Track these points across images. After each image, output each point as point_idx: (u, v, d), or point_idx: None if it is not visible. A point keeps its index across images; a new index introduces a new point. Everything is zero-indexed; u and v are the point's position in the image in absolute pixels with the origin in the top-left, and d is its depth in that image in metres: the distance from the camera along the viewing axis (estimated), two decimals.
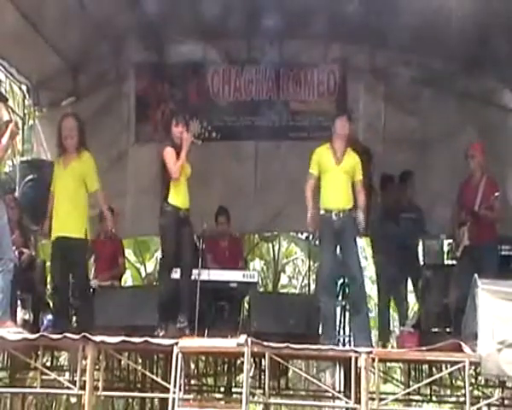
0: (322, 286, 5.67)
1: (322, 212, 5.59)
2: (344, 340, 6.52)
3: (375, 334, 7.70)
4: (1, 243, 5.07)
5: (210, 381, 8.98)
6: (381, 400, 4.66)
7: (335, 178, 5.58)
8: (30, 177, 7.07)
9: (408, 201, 7.08)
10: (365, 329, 5.52)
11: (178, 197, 5.71)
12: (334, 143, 5.66)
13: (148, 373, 6.52)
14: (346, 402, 4.93)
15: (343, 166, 5.60)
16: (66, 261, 5.63)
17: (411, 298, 7.60)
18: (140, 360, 7.49)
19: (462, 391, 6.80)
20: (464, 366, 4.56)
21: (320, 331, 5.65)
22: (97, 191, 5.75)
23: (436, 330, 5.96)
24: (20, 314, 6.37)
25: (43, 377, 5.15)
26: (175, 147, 5.79)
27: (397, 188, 7.11)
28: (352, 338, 5.81)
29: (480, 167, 6.11)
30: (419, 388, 6.69)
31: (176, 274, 6.17)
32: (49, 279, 7.59)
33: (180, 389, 4.56)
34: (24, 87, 8.10)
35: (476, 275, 4.71)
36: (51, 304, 6.29)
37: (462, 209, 6.15)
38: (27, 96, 8.15)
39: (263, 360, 5.20)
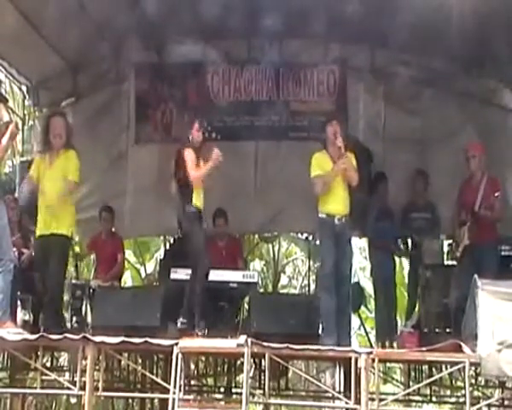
0: (323, 286, 5.68)
1: (322, 216, 5.64)
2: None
3: (373, 334, 7.71)
4: (1, 244, 5.07)
5: (210, 381, 8.99)
6: (380, 400, 4.66)
7: (335, 182, 5.64)
8: None
9: (423, 200, 7.09)
10: (348, 327, 5.66)
11: (199, 199, 5.75)
12: (329, 149, 5.73)
13: (148, 374, 6.53)
14: (346, 403, 4.92)
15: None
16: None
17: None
18: (140, 361, 7.49)
19: (462, 392, 6.80)
20: (464, 367, 4.56)
21: (320, 331, 5.66)
22: (72, 181, 5.57)
23: (436, 330, 5.95)
24: (20, 315, 6.37)
25: (43, 377, 5.16)
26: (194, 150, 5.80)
27: (410, 187, 7.15)
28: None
29: (480, 167, 6.11)
30: (419, 388, 6.68)
31: (176, 274, 6.21)
32: None
33: (180, 390, 4.57)
34: (24, 87, 8.09)
35: (476, 275, 4.71)
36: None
37: (462, 209, 6.15)
38: (27, 96, 8.14)
39: (263, 360, 5.20)
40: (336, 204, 5.62)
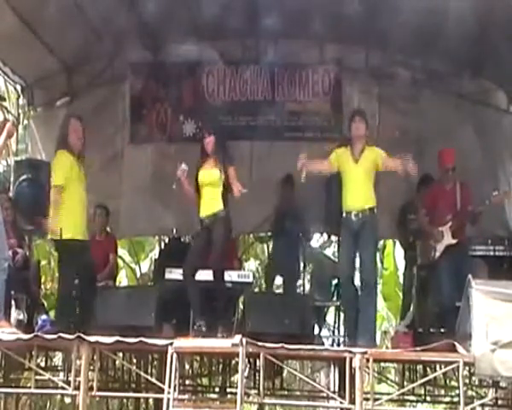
0: (344, 288, 5.62)
1: (343, 214, 5.58)
2: (338, 340, 6.53)
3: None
4: None
5: (205, 381, 8.98)
6: (375, 400, 4.66)
7: (354, 177, 5.56)
8: (24, 177, 7.05)
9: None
10: (370, 331, 5.49)
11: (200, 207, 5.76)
12: (352, 145, 5.67)
13: (142, 373, 6.53)
14: (341, 402, 4.93)
15: (361, 164, 5.57)
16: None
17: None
18: (135, 361, 7.48)
19: (456, 391, 6.83)
20: (458, 367, 4.57)
21: (344, 333, 5.68)
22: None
23: (430, 330, 5.97)
24: (15, 314, 6.35)
25: (38, 377, 5.14)
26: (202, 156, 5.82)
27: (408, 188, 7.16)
28: (356, 339, 5.78)
29: (454, 172, 6.12)
30: (413, 388, 6.70)
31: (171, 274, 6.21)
32: (43, 279, 7.57)
33: (175, 390, 4.57)
34: (18, 87, 8.07)
35: (470, 275, 4.73)
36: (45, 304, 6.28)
37: (438, 211, 6.11)
38: (21, 95, 8.12)
39: (257, 360, 5.20)
40: (354, 200, 5.53)
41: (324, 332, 7.22)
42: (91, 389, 4.77)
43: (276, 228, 7.38)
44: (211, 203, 5.72)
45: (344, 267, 5.58)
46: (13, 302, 6.32)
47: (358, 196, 5.54)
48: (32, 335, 4.86)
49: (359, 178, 5.56)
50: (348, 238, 5.55)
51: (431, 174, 6.89)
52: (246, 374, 6.00)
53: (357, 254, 5.54)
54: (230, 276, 6.20)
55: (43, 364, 7.25)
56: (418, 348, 4.79)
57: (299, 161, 5.53)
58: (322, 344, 6.32)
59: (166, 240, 8.26)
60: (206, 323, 5.48)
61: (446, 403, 9.50)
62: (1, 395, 7.49)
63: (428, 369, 6.77)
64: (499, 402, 7.04)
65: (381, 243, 11.14)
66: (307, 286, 7.76)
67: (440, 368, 5.51)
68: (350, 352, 4.66)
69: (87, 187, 7.92)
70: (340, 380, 6.83)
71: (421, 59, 7.71)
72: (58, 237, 5.53)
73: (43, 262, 7.61)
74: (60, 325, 5.30)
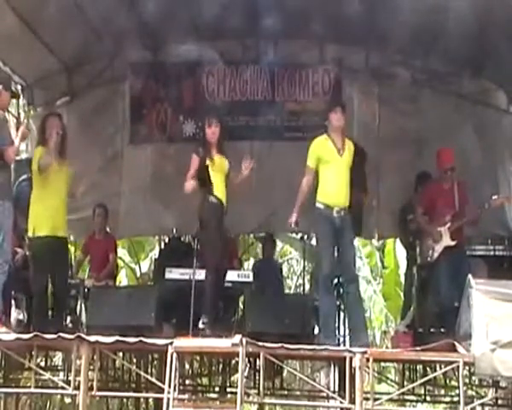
0: (323, 286, 5.48)
1: (320, 206, 5.37)
2: (339, 340, 6.52)
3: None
4: (2, 244, 5.08)
5: (205, 381, 8.99)
6: (375, 400, 4.67)
7: (338, 171, 5.38)
8: (24, 176, 7.04)
9: None
10: (363, 329, 5.45)
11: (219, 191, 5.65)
12: (332, 135, 5.48)
13: (142, 373, 6.54)
14: (341, 402, 4.94)
15: (345, 159, 5.43)
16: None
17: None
18: (135, 360, 7.49)
19: (456, 391, 6.83)
20: (458, 366, 4.58)
21: (320, 331, 5.61)
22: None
23: (431, 330, 5.97)
24: (15, 314, 6.35)
25: (38, 377, 5.15)
26: (205, 145, 5.74)
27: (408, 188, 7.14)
28: (349, 338, 5.77)
29: (454, 172, 6.12)
30: (413, 388, 6.71)
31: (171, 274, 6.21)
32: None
33: (175, 389, 4.57)
34: (18, 87, 8.07)
35: (470, 275, 4.74)
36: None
37: (438, 211, 6.09)
38: (22, 95, 8.12)
39: (257, 360, 5.21)
40: (336, 195, 5.34)
41: None
42: (91, 388, 4.78)
43: (256, 283, 7.36)
44: (224, 194, 5.69)
45: (326, 264, 5.36)
46: (13, 302, 6.32)
47: (341, 191, 5.38)
48: (32, 334, 4.86)
49: (342, 172, 5.40)
50: (329, 235, 5.33)
51: (429, 172, 6.91)
52: (246, 374, 6.01)
53: (339, 253, 5.41)
54: (230, 276, 6.20)
55: (43, 364, 7.25)
56: (418, 348, 4.80)
57: (291, 220, 5.44)
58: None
59: (166, 240, 8.26)
60: (208, 322, 5.47)
61: (446, 403, 9.51)
62: (1, 395, 7.49)
63: (428, 369, 6.78)
64: (499, 402, 7.05)
65: (381, 241, 11.16)
66: (307, 286, 7.76)
67: (440, 368, 5.52)
68: (350, 352, 4.66)
69: (86, 187, 7.98)
70: (340, 380, 6.83)
71: (421, 59, 7.72)
72: (31, 235, 5.55)
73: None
74: (34, 324, 5.29)
